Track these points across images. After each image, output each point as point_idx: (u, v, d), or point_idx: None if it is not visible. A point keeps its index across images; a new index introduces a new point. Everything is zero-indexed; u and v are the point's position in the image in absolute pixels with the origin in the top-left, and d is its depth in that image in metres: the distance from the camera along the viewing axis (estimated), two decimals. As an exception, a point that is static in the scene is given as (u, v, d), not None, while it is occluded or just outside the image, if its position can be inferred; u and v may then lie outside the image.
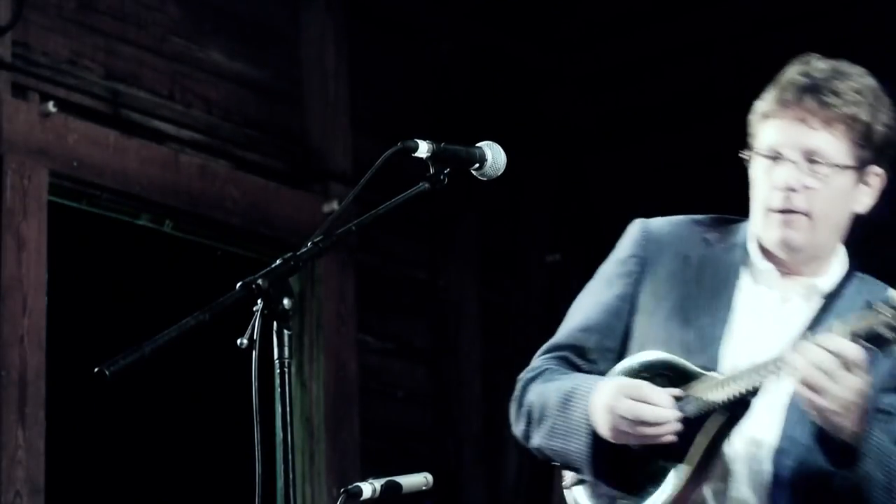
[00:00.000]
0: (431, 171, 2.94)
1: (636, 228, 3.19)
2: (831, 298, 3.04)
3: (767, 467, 2.93)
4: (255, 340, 2.63)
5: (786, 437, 2.93)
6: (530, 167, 6.90)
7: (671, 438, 2.90)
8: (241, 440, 3.73)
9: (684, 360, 2.98)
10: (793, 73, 3.04)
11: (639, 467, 2.95)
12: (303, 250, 2.77)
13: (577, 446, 3.00)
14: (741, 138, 3.08)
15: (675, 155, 6.77)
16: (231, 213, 5.89)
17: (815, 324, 2.99)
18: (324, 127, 6.36)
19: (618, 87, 7.00)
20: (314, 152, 6.30)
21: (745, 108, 3.08)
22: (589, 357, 3.13)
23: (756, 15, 6.59)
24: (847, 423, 2.80)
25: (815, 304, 3.05)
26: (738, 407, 2.89)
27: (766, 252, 3.07)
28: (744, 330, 3.03)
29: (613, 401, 2.91)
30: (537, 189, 7.16)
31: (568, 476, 3.12)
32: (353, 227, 2.89)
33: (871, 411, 2.82)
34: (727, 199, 3.27)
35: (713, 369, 2.96)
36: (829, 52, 3.07)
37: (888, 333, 2.75)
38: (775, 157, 3.00)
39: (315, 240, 2.80)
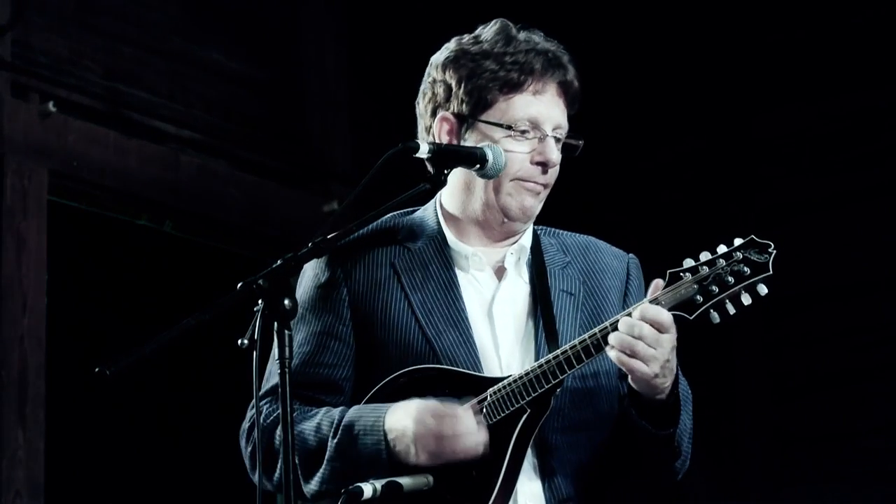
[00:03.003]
0: (432, 171, 2.95)
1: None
2: (535, 256, 3.04)
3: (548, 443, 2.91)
4: (256, 340, 2.63)
5: (563, 415, 2.92)
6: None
7: (483, 449, 2.84)
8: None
9: (454, 368, 2.91)
10: (531, 42, 3.09)
11: (445, 484, 2.85)
12: (303, 250, 2.77)
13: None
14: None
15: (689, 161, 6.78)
16: (231, 212, 5.89)
17: (542, 286, 2.99)
18: (324, 127, 6.36)
19: (618, 88, 7.00)
20: (314, 152, 6.30)
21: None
22: (325, 390, 2.97)
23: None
24: (667, 382, 2.82)
25: (525, 265, 3.04)
26: (538, 405, 2.84)
27: (467, 228, 3.04)
28: (485, 325, 2.98)
29: (419, 425, 2.81)
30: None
31: None
32: (354, 227, 2.90)
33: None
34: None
35: (480, 372, 2.91)
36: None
37: (699, 298, 2.78)
38: (535, 132, 2.99)
39: (315, 240, 2.80)
